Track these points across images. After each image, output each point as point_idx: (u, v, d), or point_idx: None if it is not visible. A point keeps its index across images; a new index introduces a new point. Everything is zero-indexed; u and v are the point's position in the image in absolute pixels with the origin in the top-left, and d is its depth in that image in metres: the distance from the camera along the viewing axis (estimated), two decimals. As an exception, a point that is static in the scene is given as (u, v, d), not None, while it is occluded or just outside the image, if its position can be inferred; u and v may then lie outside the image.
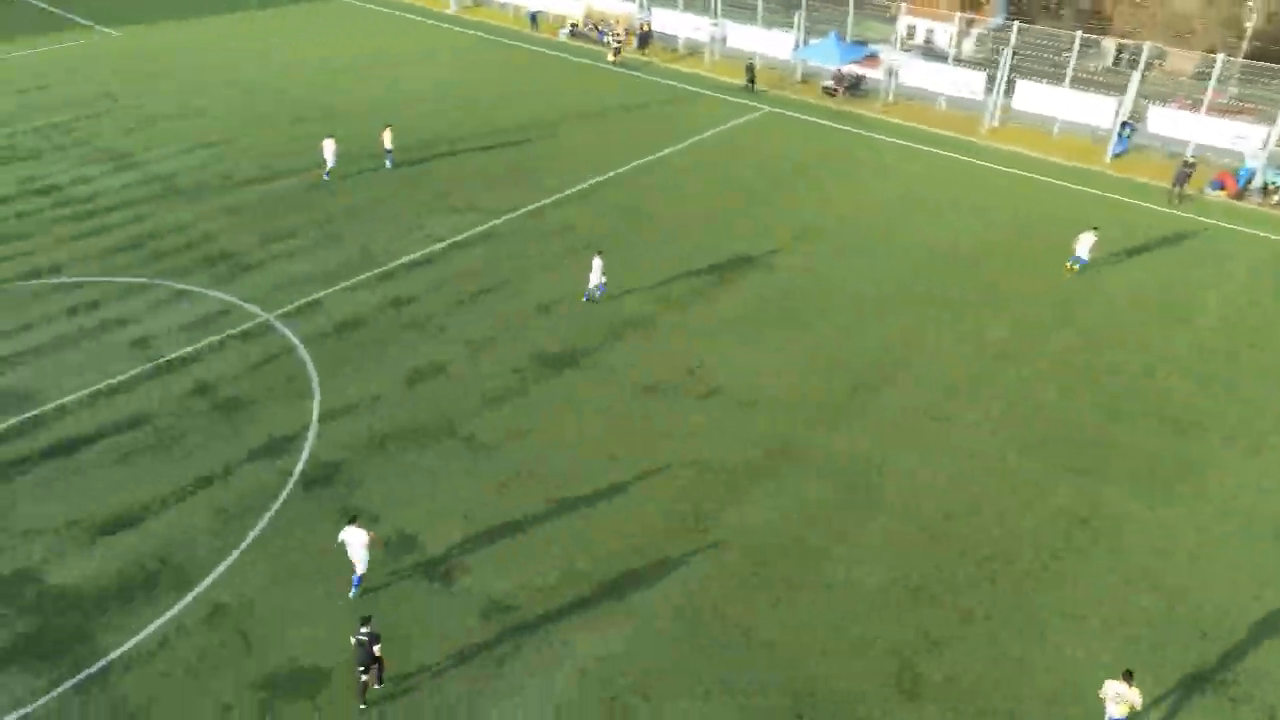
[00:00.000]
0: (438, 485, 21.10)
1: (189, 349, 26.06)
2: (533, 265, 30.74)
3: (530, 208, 34.84)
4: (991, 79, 43.87)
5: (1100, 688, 15.32)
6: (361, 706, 16.11)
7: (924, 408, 23.70)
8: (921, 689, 16.47)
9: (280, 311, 27.96)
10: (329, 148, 37.07)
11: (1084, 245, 29.68)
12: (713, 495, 20.90)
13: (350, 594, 18.32)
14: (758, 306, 28.29)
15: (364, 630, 15.71)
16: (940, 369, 25.27)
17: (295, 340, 26.54)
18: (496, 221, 33.78)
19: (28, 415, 23.23)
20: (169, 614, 17.84)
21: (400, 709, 16.13)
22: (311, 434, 22.77)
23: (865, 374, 25.08)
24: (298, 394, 24.23)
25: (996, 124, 43.62)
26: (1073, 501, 20.72)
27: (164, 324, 27.23)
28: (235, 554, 19.21)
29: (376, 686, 16.26)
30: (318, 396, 24.13)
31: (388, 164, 38.36)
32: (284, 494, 20.85)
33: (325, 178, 37.14)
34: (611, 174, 37.80)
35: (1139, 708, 15.24)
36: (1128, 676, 15.20)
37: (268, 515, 20.24)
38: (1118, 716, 15.32)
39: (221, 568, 18.90)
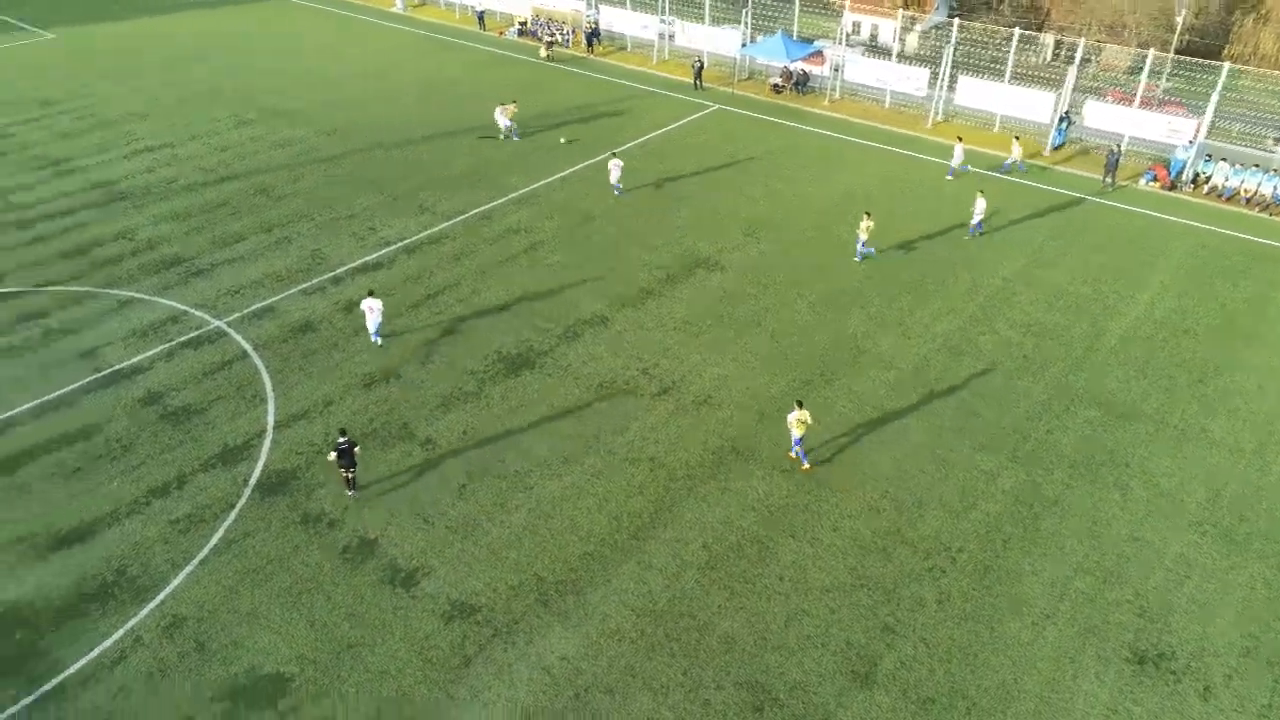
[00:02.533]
0: (396, 489, 21.15)
1: (138, 358, 25.73)
2: (484, 267, 30.80)
3: (481, 210, 34.86)
4: (935, 75, 44.84)
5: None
6: (350, 493, 20.83)
7: (876, 401, 24.29)
8: (875, 675, 16.99)
9: (231, 317, 27.69)
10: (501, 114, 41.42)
11: (979, 210, 32.66)
12: (669, 493, 21.25)
13: (377, 342, 26.27)
14: (711, 304, 28.69)
15: (342, 440, 20.05)
16: (890, 361, 25.89)
17: (247, 346, 26.32)
18: (447, 224, 33.75)
19: (-29, 430, 22.81)
20: (126, 627, 17.71)
21: (356, 715, 16.21)
22: (267, 440, 22.65)
23: (818, 369, 25.60)
24: (251, 400, 24.07)
25: (940, 119, 44.58)
26: (1018, 490, 21.43)
27: (111, 333, 26.83)
28: (192, 565, 19.10)
29: (353, 493, 20.83)
30: (272, 402, 24.00)
31: (514, 136, 41.49)
32: (240, 502, 20.75)
33: (504, 138, 41.45)
34: (559, 175, 37.93)
35: (810, 422, 21.14)
36: (799, 404, 21.20)
37: (224, 524, 20.13)
38: (798, 435, 21.17)
39: (178, 579, 18.78)
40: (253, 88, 48.24)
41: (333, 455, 20.27)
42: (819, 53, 49.00)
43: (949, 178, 37.92)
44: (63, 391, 24.30)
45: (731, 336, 27.07)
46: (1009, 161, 38.34)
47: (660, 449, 22.60)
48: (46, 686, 16.56)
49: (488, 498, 21.02)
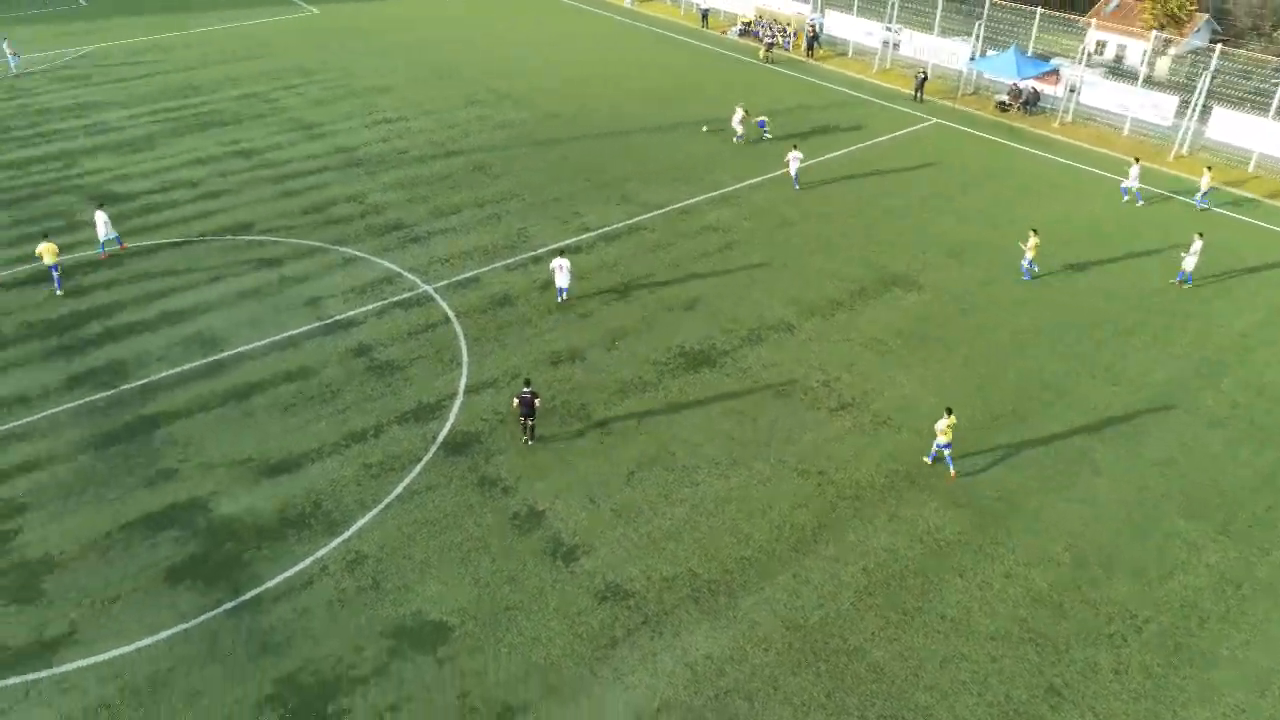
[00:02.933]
0: (568, 466, 21.91)
1: (354, 312, 27.98)
2: (677, 261, 31.21)
3: (682, 204, 35.33)
4: (1185, 104, 41.14)
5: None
6: (529, 442, 22.38)
7: (1069, 446, 22.73)
8: (1033, 736, 15.97)
9: (439, 284, 29.56)
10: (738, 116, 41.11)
11: (1193, 253, 29.44)
12: (834, 511, 20.81)
13: (560, 299, 28.36)
14: (904, 322, 27.76)
15: (526, 390, 21.64)
16: (1091, 406, 24.13)
17: (450, 312, 28.02)
18: (647, 215, 34.45)
19: (213, 359, 25.62)
20: (315, 555, 19.38)
21: (507, 674, 16.96)
22: (457, 403, 24.06)
23: (1009, 404, 24.24)
24: (448, 364, 25.62)
25: (1185, 152, 40.88)
26: (1226, 566, 19.45)
27: (335, 286, 29.33)
28: (378, 508, 20.61)
29: (531, 441, 22.40)
30: (465, 368, 25.44)
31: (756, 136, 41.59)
32: (426, 457, 22.17)
33: (766, 136, 41.33)
34: (763, 177, 37.77)
35: (955, 422, 21.11)
36: (949, 412, 21.13)
37: (410, 475, 21.58)
38: (943, 442, 21.13)
39: (364, 519, 20.33)
40: (486, 71, 51.10)
41: (515, 401, 21.71)
42: (1054, 71, 46.12)
43: (1127, 199, 35.93)
44: (289, 334, 26.82)
45: (921, 359, 26.09)
46: (1201, 193, 35.88)
47: (831, 464, 22.16)
48: (246, 595, 18.42)
49: (653, 488, 21.38)
